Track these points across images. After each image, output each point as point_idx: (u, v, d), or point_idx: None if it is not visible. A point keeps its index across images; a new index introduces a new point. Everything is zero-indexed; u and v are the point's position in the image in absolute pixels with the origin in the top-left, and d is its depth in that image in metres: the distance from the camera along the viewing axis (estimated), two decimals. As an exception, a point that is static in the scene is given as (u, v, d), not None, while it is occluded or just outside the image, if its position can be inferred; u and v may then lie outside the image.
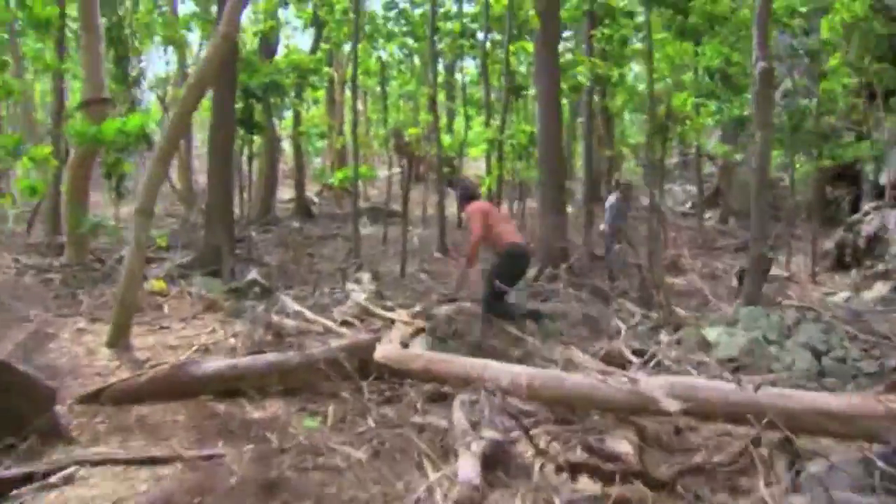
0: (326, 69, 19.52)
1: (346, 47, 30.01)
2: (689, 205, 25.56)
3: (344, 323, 8.42)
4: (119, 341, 7.39)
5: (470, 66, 31.03)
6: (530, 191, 18.47)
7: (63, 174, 12.56)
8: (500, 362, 5.91)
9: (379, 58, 26.36)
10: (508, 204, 18.58)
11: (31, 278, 11.17)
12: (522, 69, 20.27)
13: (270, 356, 6.18)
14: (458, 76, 30.51)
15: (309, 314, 8.16)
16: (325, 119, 23.82)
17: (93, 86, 12.23)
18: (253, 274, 10.31)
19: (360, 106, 38.25)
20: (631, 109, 20.93)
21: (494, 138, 12.36)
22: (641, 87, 20.03)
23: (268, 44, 16.91)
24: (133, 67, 16.28)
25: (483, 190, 12.30)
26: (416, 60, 32.56)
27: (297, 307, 8.32)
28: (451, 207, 22.49)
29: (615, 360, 6.91)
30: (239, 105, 13.15)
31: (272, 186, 18.03)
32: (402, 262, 13.25)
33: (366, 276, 11.65)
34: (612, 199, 12.53)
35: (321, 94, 25.36)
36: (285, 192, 24.83)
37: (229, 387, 5.76)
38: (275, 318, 7.43)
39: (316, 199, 24.04)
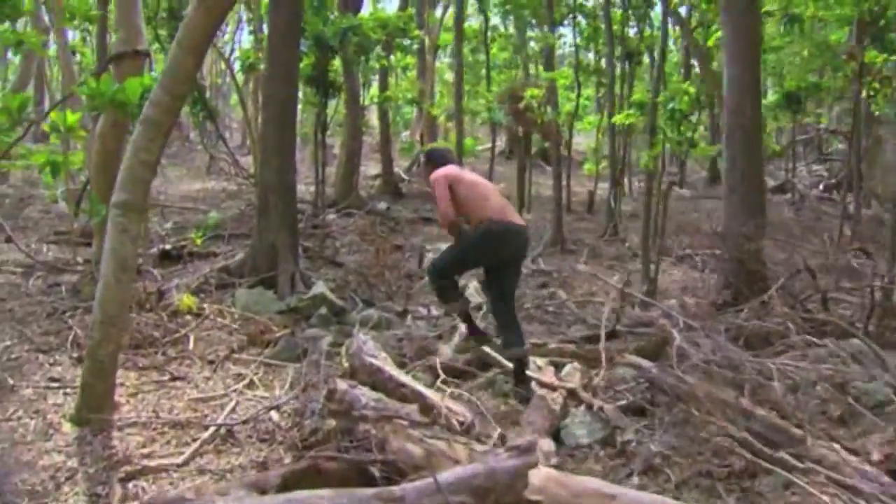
0: (417, 31, 16.33)
1: (438, 11, 27.46)
2: (820, 187, 22.06)
3: (448, 382, 5.44)
4: (93, 411, 4.58)
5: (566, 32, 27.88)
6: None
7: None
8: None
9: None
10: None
11: (37, 281, 8.52)
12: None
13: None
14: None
15: (393, 372, 5.17)
16: (416, 84, 20.78)
17: (126, 35, 9.45)
18: (319, 287, 7.40)
19: (449, 76, 35.36)
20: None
21: (644, 102, 9.17)
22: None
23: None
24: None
25: (646, 163, 9.02)
26: (511, 28, 29.50)
27: (374, 356, 5.33)
28: (585, 187, 19.38)
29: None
30: (309, 60, 10.21)
31: (355, 161, 15.14)
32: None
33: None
34: None
35: (411, 60, 22.45)
36: (370, 168, 22.03)
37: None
38: (340, 384, 4.46)
39: (405, 176, 21.07)
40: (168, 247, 9.77)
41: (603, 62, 20.20)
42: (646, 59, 21.41)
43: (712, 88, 17.18)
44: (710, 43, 14.71)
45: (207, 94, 19.98)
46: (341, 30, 9.44)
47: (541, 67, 27.72)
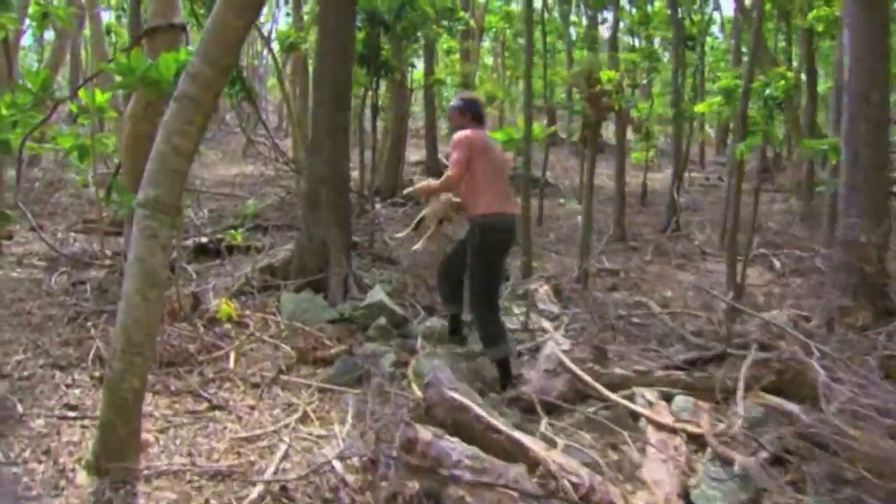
0: (462, 13, 15.31)
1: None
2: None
3: (533, 415, 4.50)
4: (114, 458, 3.69)
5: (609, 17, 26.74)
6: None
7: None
8: None
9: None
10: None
11: (60, 277, 7.68)
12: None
13: None
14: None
15: (480, 411, 4.21)
16: (463, 66, 19.74)
17: (160, 7, 8.56)
18: (377, 293, 6.45)
19: (488, 59, 34.28)
20: None
21: (732, 87, 8.09)
22: None
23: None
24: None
25: (740, 154, 7.96)
26: (556, 12, 28.44)
27: (456, 388, 4.38)
28: (631, 177, 18.29)
29: None
30: (359, 36, 9.24)
31: (401, 148, 14.17)
32: (581, 265, 9.20)
33: (542, 290, 7.67)
34: None
35: (454, 43, 21.44)
36: (412, 154, 21.08)
37: None
38: (422, 432, 3.53)
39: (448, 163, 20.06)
40: (204, 240, 8.89)
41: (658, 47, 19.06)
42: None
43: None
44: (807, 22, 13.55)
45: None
46: (398, 3, 8.46)
47: (583, 52, 26.75)
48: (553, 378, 5.19)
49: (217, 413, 4.64)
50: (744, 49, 20.64)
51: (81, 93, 8.58)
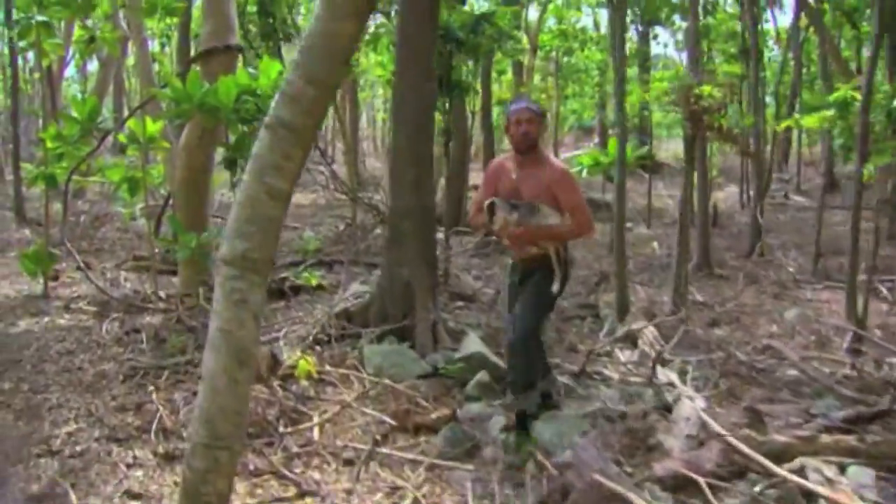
0: (516, 32, 14.53)
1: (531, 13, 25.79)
2: None
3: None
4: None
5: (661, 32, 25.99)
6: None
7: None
8: None
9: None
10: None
11: (112, 324, 6.97)
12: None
13: None
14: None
15: (637, 499, 3.38)
16: (518, 86, 19.00)
17: (215, 27, 7.93)
18: (473, 343, 5.64)
19: (535, 79, 33.53)
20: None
21: (849, 101, 7.18)
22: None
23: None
24: (282, 18, 11.93)
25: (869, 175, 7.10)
26: (603, 28, 27.75)
27: (603, 469, 3.55)
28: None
29: None
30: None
31: (464, 173, 13.40)
32: (676, 294, 8.34)
33: (648, 332, 6.83)
34: None
35: (506, 63, 20.73)
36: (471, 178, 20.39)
37: None
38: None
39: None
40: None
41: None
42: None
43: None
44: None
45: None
46: (474, 19, 7.70)
47: (634, 69, 25.93)
48: (700, 447, 4.35)
49: (308, 500, 3.86)
50: (813, 58, 19.73)
51: (131, 122, 7.95)
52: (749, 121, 10.56)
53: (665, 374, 5.58)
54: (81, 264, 8.20)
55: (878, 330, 8.29)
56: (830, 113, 7.49)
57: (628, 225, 14.50)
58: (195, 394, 4.98)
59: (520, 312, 4.63)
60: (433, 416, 4.79)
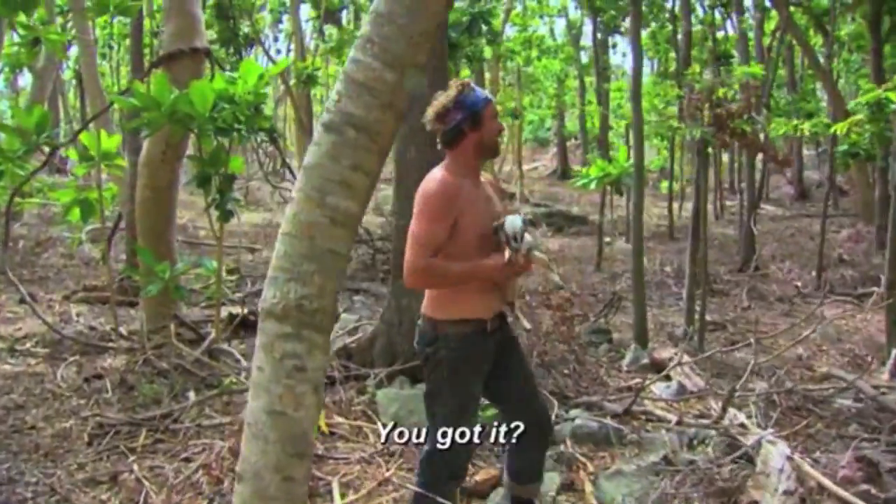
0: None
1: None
2: None
3: None
4: None
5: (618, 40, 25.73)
6: None
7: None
8: None
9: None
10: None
11: (69, 369, 6.01)
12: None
13: None
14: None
15: None
16: (512, 94, 18.27)
17: (179, 29, 7.04)
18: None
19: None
20: None
21: (884, 101, 6.58)
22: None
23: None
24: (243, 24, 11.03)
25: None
26: (561, 37, 27.36)
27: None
28: (660, 208, 16.58)
29: None
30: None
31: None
32: (689, 316, 7.67)
33: (683, 361, 6.11)
34: None
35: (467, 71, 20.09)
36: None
37: None
38: None
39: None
40: (240, 311, 7.25)
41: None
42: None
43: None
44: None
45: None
46: (469, 17, 6.92)
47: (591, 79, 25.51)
48: (806, 506, 3.63)
49: None
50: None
51: (83, 136, 7.00)
52: (784, 129, 9.94)
53: (736, 416, 4.84)
54: (26, 296, 7.16)
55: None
56: (858, 117, 6.87)
57: (607, 239, 13.88)
58: (187, 461, 4.12)
59: (534, 389, 3.46)
60: (476, 478, 3.98)
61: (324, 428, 4.41)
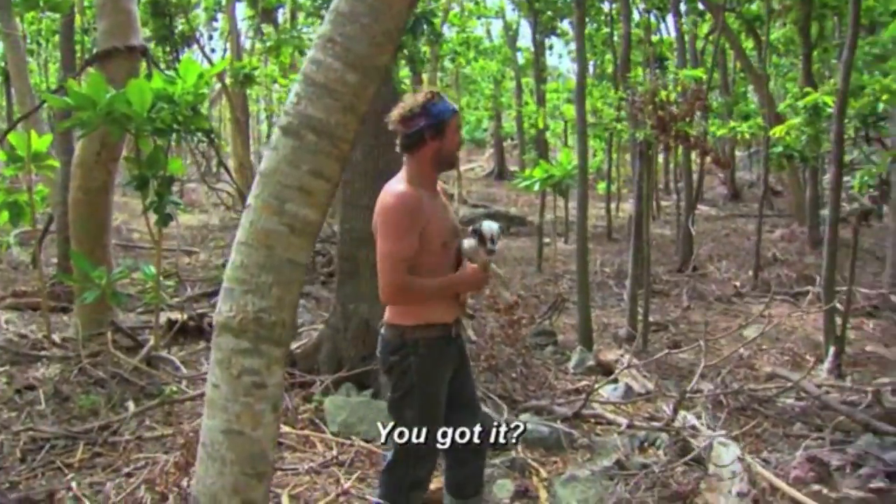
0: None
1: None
2: None
3: None
4: None
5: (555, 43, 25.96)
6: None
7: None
8: None
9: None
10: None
11: (-4, 381, 5.76)
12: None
13: None
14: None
15: None
16: (450, 96, 18.21)
17: (113, 26, 6.82)
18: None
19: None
20: None
21: (820, 105, 6.66)
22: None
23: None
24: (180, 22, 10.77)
25: (860, 185, 6.61)
26: (497, 38, 27.47)
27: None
28: (596, 209, 16.57)
29: None
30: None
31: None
32: (632, 318, 7.72)
33: (630, 363, 6.12)
34: None
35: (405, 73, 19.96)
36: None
37: None
38: None
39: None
40: (177, 315, 7.05)
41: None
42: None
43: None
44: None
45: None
46: (413, 18, 6.83)
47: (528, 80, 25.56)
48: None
49: None
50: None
51: (11, 136, 6.75)
52: (722, 130, 10.08)
53: (687, 419, 4.85)
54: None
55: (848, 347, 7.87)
56: (796, 120, 6.99)
57: (546, 240, 13.93)
58: (129, 476, 3.96)
59: (476, 397, 3.38)
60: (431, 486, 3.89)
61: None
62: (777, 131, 7.30)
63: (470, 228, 3.06)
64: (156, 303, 6.24)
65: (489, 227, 3.00)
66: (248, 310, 1.94)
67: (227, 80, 12.69)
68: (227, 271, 2.04)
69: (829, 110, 6.85)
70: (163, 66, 7.09)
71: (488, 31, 28.45)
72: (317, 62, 1.99)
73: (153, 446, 4.45)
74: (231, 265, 2.02)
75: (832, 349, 6.79)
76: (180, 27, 10.63)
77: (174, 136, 5.91)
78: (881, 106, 6.64)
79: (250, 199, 2.03)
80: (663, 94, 7.00)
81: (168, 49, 9.99)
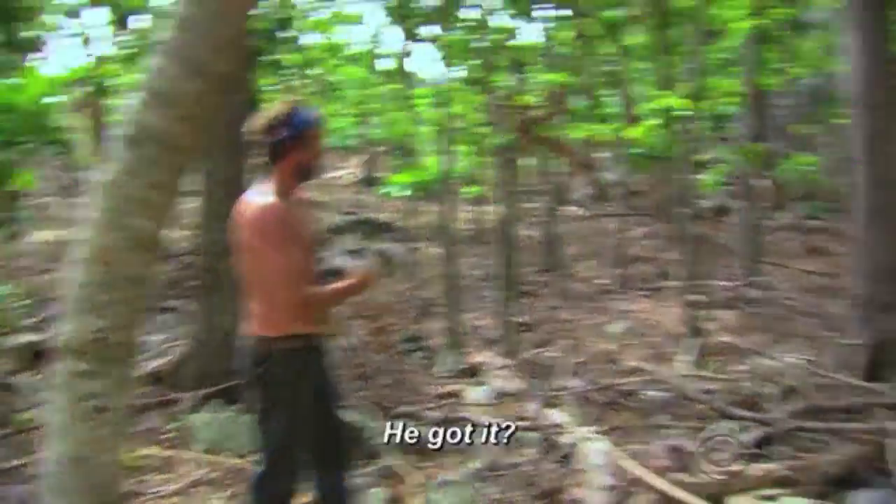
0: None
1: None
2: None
3: None
4: None
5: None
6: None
7: None
8: None
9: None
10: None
11: None
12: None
13: None
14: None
15: None
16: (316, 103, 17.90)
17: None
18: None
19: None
20: None
21: (673, 107, 6.93)
22: None
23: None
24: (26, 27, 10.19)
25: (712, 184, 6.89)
26: (361, 45, 27.30)
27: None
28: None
29: None
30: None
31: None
32: (502, 319, 7.83)
33: (496, 363, 6.22)
34: None
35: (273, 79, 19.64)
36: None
37: None
38: None
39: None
40: (34, 337, 6.67)
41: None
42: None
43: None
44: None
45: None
46: (274, 23, 6.68)
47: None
48: (626, 497, 3.76)
49: None
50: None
51: None
52: (581, 132, 10.33)
53: (551, 416, 4.94)
54: None
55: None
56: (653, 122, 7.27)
57: (415, 245, 13.93)
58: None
59: (339, 410, 3.31)
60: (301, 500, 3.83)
61: (129, 462, 4.11)
62: (632, 133, 7.56)
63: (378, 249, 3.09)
64: (7, 325, 5.90)
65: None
66: (88, 331, 1.84)
67: (83, 89, 12.15)
68: (67, 290, 1.94)
69: (679, 112, 7.14)
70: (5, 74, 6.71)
71: (352, 38, 28.23)
72: (156, 70, 1.91)
73: (6, 477, 4.20)
74: (70, 284, 1.92)
75: (696, 341, 7.10)
76: (28, 33, 10.07)
77: (21, 147, 5.61)
78: (729, 108, 6.99)
79: (86, 213, 1.94)
80: (525, 97, 7.15)
81: (13, 56, 9.43)
